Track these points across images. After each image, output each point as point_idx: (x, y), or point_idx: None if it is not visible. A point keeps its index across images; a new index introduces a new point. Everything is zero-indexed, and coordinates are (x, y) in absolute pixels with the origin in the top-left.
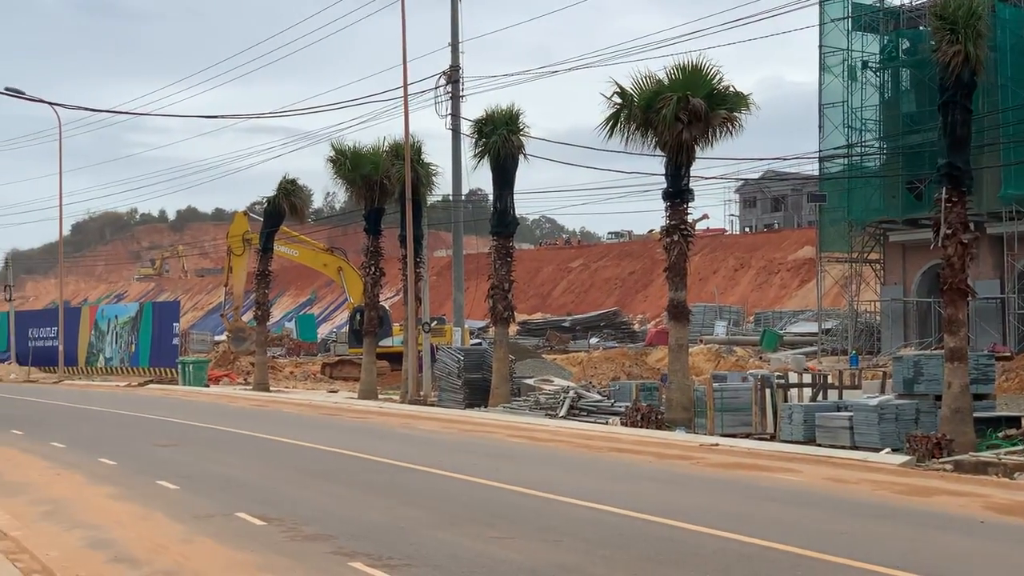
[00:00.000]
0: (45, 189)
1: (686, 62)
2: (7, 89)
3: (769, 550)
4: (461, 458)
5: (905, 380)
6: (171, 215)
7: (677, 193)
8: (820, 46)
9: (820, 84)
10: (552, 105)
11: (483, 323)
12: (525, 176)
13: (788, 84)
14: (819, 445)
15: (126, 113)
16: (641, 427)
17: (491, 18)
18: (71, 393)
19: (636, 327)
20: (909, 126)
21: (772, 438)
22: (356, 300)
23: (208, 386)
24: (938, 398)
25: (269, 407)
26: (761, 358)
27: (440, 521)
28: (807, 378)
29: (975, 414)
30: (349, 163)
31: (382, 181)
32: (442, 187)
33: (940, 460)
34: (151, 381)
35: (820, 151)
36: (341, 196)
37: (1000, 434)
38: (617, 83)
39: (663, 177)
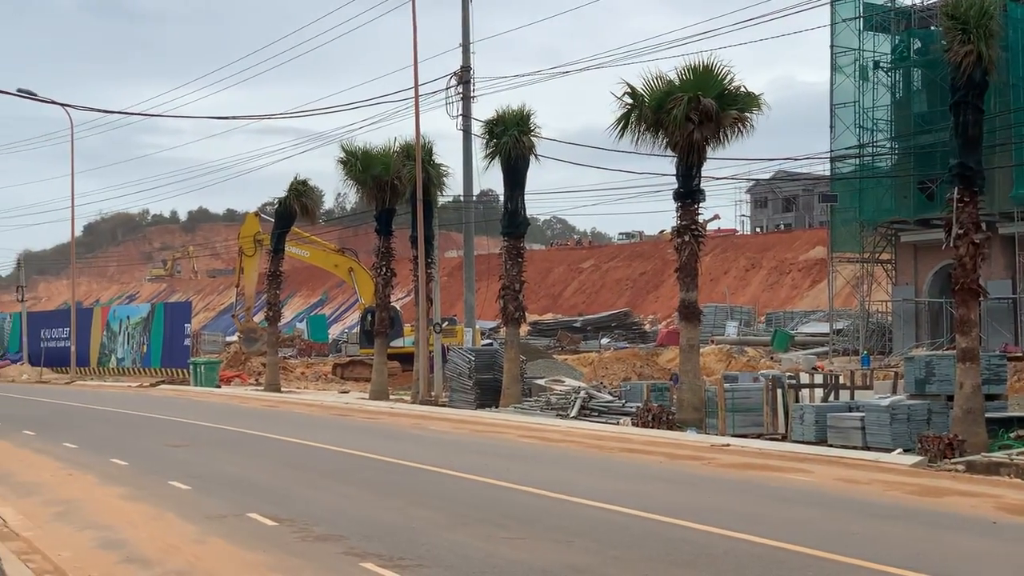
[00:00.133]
0: (57, 190)
1: (697, 62)
2: (19, 90)
3: (780, 550)
4: (472, 458)
5: (917, 380)
6: (182, 216)
7: (688, 193)
8: (831, 46)
9: (831, 84)
10: (563, 105)
11: (494, 324)
12: (536, 177)
13: (799, 84)
14: (831, 445)
15: (138, 114)
16: (652, 427)
17: (502, 19)
18: (83, 394)
19: (647, 327)
20: (921, 126)
21: (783, 438)
22: (367, 301)
23: (220, 387)
24: (950, 398)
25: (280, 408)
26: (772, 358)
27: (451, 522)
28: (817, 378)
29: (987, 415)
30: (360, 164)
31: (393, 182)
32: (453, 188)
33: (952, 461)
34: (163, 382)
35: (831, 151)
36: (352, 197)
37: (1012, 434)
38: (628, 83)
39: (674, 177)
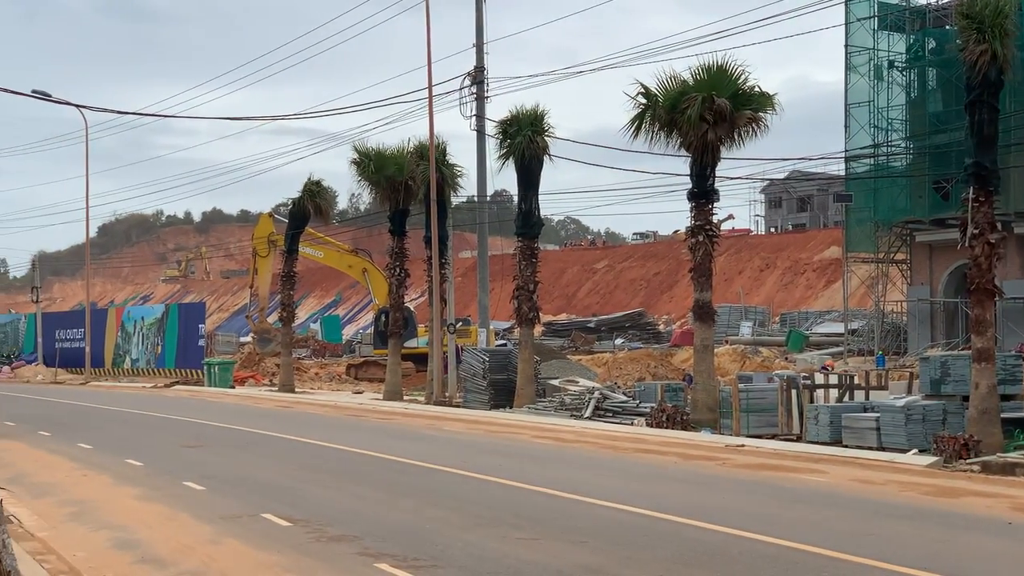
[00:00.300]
0: (72, 191)
1: (711, 62)
2: (34, 92)
3: (796, 551)
4: (486, 459)
5: (932, 381)
6: (196, 217)
7: (702, 194)
8: (846, 45)
9: (846, 84)
10: (577, 106)
11: (508, 324)
12: (550, 177)
13: (814, 84)
14: (845, 446)
15: (152, 115)
16: (666, 428)
17: (515, 19)
18: (98, 394)
19: (661, 328)
20: (936, 126)
21: (798, 439)
22: (381, 301)
23: (234, 387)
24: (965, 399)
25: (294, 408)
26: (787, 359)
27: (465, 522)
28: (827, 377)
29: (1003, 415)
30: (373, 165)
31: (407, 182)
32: (467, 188)
33: (967, 461)
34: (177, 382)
35: (846, 151)
36: (366, 197)
37: None
38: (642, 84)
39: (688, 178)
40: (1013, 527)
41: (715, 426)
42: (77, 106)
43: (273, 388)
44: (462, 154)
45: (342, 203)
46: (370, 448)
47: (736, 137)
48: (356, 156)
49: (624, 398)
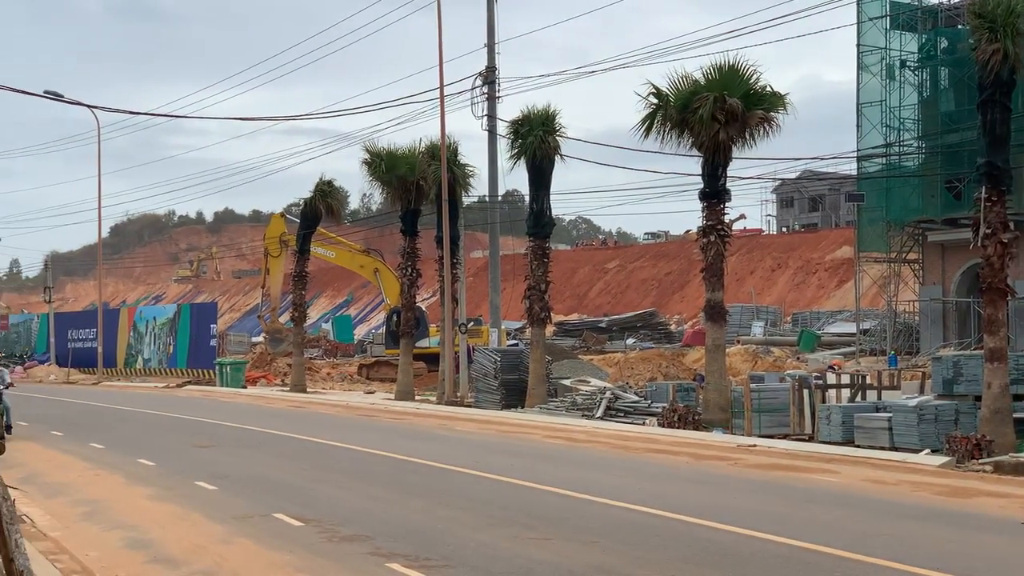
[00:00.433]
0: (84, 191)
1: (722, 62)
2: (46, 92)
3: (808, 551)
4: (498, 459)
5: (944, 381)
6: (208, 217)
7: (714, 193)
8: (858, 45)
9: (858, 83)
10: (588, 106)
11: (520, 324)
12: (561, 177)
13: (825, 84)
14: (858, 446)
15: (164, 115)
16: (678, 428)
17: (527, 19)
18: (110, 394)
19: (673, 328)
20: (948, 125)
21: (810, 439)
22: (393, 301)
23: (245, 387)
24: (978, 399)
25: (306, 408)
26: (799, 359)
27: (477, 522)
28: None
29: (1015, 415)
30: (384, 165)
31: (418, 182)
32: (478, 188)
33: (980, 461)
34: (189, 382)
35: (858, 150)
36: (377, 197)
37: None
38: (653, 84)
39: (700, 177)
40: None
41: (727, 426)
42: (89, 106)
43: (285, 388)
44: (473, 154)
45: (354, 203)
46: (382, 448)
47: (748, 137)
48: (367, 156)
49: (636, 398)
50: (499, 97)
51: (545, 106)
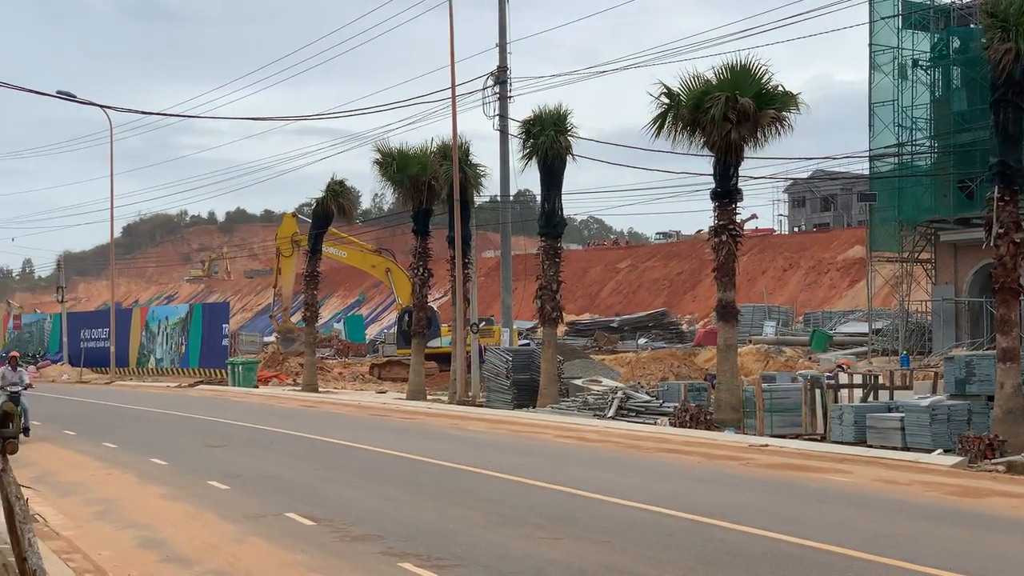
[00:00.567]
0: (96, 191)
1: (734, 61)
2: (59, 92)
3: (820, 551)
4: (510, 459)
5: (957, 380)
6: (220, 217)
7: (725, 193)
8: (870, 44)
9: (870, 83)
10: (600, 105)
11: (531, 324)
12: (573, 176)
13: (837, 83)
14: (870, 446)
15: (176, 116)
16: (690, 428)
17: (538, 19)
18: (122, 394)
19: (684, 327)
20: (960, 124)
21: (822, 439)
22: (404, 301)
23: (257, 387)
24: (990, 399)
25: (318, 408)
26: (811, 359)
27: (489, 521)
28: (843, 377)
29: None
30: (396, 164)
31: (430, 182)
32: (490, 188)
33: (992, 461)
34: (201, 382)
35: (870, 150)
36: (389, 197)
37: None
38: (664, 84)
39: (711, 177)
40: None
41: (739, 426)
42: (102, 107)
43: (297, 388)
44: (485, 154)
45: (365, 203)
46: (394, 448)
47: (759, 136)
48: (379, 156)
49: (647, 398)
50: (511, 97)
51: (557, 106)
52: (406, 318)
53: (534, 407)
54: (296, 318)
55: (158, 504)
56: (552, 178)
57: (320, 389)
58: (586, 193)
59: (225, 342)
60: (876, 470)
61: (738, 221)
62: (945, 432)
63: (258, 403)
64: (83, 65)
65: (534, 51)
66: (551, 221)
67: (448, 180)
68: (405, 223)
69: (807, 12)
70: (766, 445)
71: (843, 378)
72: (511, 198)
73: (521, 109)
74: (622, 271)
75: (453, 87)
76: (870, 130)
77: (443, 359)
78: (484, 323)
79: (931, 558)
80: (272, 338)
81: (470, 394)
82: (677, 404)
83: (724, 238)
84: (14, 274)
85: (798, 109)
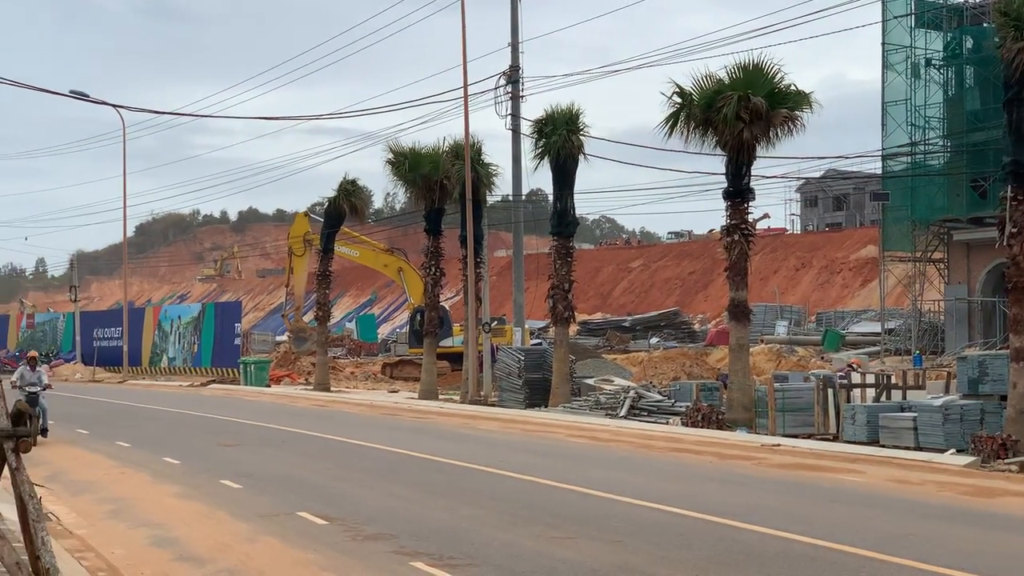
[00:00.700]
0: (109, 191)
1: (746, 61)
2: (72, 92)
3: (833, 551)
4: (522, 458)
5: (970, 380)
6: (232, 216)
7: (738, 192)
8: (883, 43)
9: (883, 82)
10: (611, 105)
11: (543, 323)
12: (585, 176)
13: (850, 82)
14: (883, 446)
15: (189, 115)
16: (702, 427)
17: (550, 18)
18: (135, 393)
19: (696, 327)
20: (973, 123)
21: (835, 438)
22: (416, 300)
23: (270, 386)
24: (1003, 398)
25: (330, 407)
26: (823, 358)
27: (501, 521)
28: (855, 376)
29: None
30: (408, 164)
31: (442, 181)
32: (502, 187)
33: (1005, 461)
34: (213, 381)
35: (883, 149)
36: (401, 196)
37: None
38: (676, 83)
39: (724, 176)
40: None
41: (751, 425)
42: (114, 106)
43: (309, 387)
44: (497, 153)
45: (377, 202)
46: (405, 447)
47: (772, 136)
48: (391, 155)
49: (659, 397)
50: (523, 96)
51: (569, 105)
52: (418, 317)
53: (546, 406)
54: (308, 317)
55: (171, 503)
56: (564, 177)
57: (332, 388)
58: (598, 192)
59: (237, 341)
60: (889, 470)
61: (750, 220)
62: (958, 432)
63: (270, 402)
64: (96, 65)
65: (546, 51)
66: (563, 220)
67: (460, 179)
68: (417, 222)
69: (819, 11)
70: (778, 445)
71: (855, 377)
72: (523, 197)
73: (533, 108)
74: (634, 270)
75: (465, 86)
76: (883, 129)
77: (455, 358)
78: (496, 322)
79: (944, 558)
80: (284, 337)
81: (482, 393)
82: (689, 404)
83: (736, 237)
84: (27, 273)
85: (810, 108)
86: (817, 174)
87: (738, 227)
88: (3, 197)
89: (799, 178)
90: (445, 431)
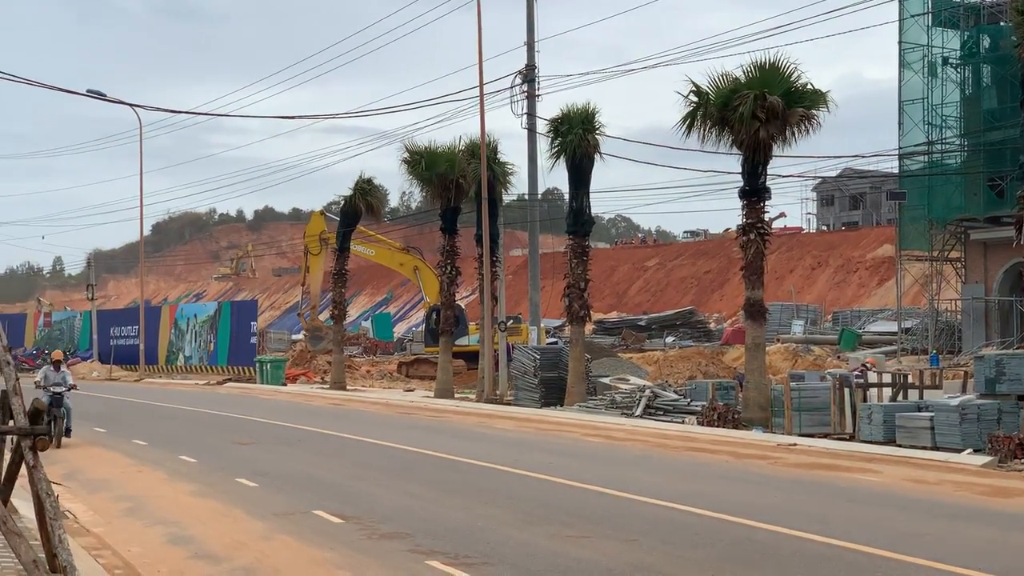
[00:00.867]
0: (126, 190)
1: (763, 59)
2: (89, 91)
3: (849, 551)
4: (537, 457)
5: (987, 380)
6: (249, 215)
7: (754, 191)
8: (900, 42)
9: (900, 81)
10: (627, 104)
11: (559, 322)
12: (601, 175)
13: (867, 81)
14: (899, 445)
15: (205, 114)
16: (718, 426)
17: (566, 17)
18: (152, 391)
19: (712, 326)
20: (990, 122)
21: (851, 438)
22: (432, 299)
23: (285, 385)
24: (1020, 398)
25: (346, 406)
26: (839, 357)
27: (516, 520)
28: (871, 376)
29: None
30: (424, 163)
31: (458, 180)
32: (518, 186)
33: (1022, 461)
34: (229, 379)
35: (900, 148)
36: (417, 195)
37: None
38: (693, 82)
39: (740, 175)
40: None
41: (767, 425)
42: (131, 105)
43: (325, 386)
44: (513, 152)
45: (393, 201)
46: (421, 446)
47: (788, 135)
48: (407, 154)
49: (675, 396)
50: (539, 95)
51: (585, 104)
52: (434, 316)
53: (562, 405)
54: (324, 316)
55: (187, 501)
56: (580, 176)
57: (348, 387)
58: (614, 191)
59: (253, 340)
60: (905, 470)
61: (766, 219)
62: (975, 432)
63: (286, 401)
64: (113, 64)
65: (561, 50)
66: (579, 219)
67: (476, 178)
68: (433, 221)
69: (835, 10)
70: (794, 444)
71: (871, 376)
72: (539, 196)
73: (549, 107)
74: (650, 269)
75: (481, 85)
76: (900, 128)
77: (471, 357)
78: (512, 321)
79: (960, 558)
80: (300, 336)
81: (498, 392)
82: (705, 403)
83: (752, 236)
84: (44, 272)
85: (827, 107)
86: (833, 173)
87: (754, 226)
88: (21, 196)
89: (815, 177)
90: (461, 430)
